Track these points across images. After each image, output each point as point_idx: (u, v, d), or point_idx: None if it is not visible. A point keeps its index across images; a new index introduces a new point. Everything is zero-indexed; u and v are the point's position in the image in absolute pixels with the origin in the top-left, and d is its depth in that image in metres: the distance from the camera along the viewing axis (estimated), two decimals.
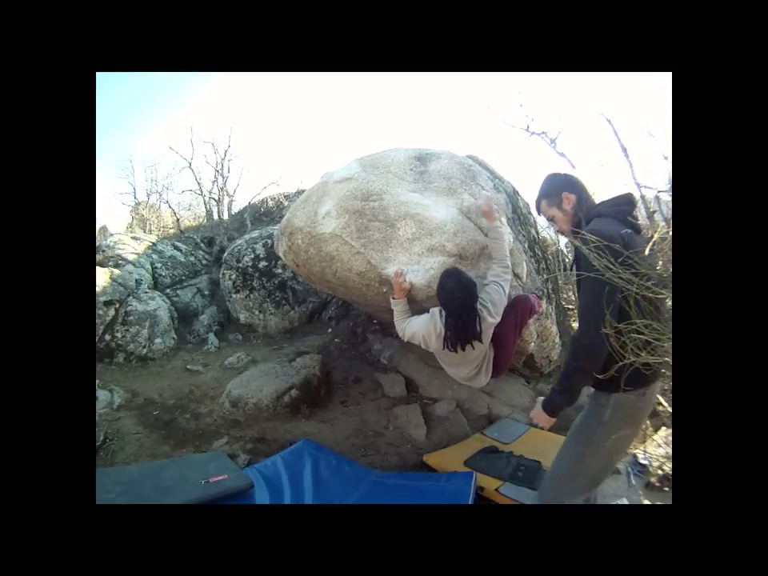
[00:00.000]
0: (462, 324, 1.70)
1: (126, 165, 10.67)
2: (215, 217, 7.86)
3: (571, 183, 1.39)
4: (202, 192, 8.12)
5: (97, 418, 2.57)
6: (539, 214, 1.50)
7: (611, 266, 1.03)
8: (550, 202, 1.42)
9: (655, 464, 2.01)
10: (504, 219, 2.22)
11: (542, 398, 1.25)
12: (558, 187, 1.40)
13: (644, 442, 2.29)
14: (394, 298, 1.95)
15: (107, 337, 3.61)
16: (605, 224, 1.20)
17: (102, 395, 2.89)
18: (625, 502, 1.86)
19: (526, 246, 2.78)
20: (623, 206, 1.26)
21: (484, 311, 1.76)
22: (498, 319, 1.79)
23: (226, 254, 4.77)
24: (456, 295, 1.70)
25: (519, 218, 2.88)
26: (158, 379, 3.32)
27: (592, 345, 1.13)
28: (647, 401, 1.22)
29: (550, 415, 1.24)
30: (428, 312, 1.86)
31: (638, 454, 2.13)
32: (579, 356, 1.17)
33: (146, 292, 4.15)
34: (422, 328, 1.83)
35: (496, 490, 1.92)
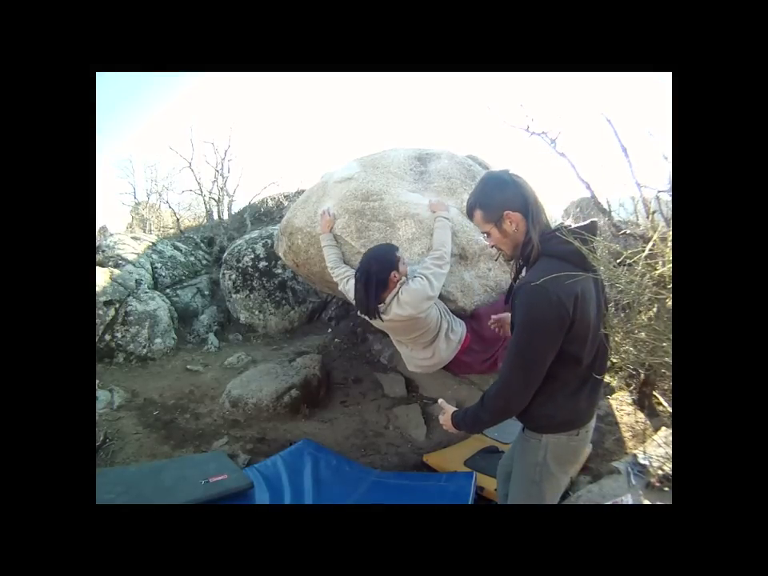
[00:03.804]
0: (364, 290, 1.74)
1: (126, 165, 10.70)
2: (215, 217, 7.87)
3: (517, 198, 1.05)
4: (201, 192, 8.14)
5: (97, 418, 2.58)
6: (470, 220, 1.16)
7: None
8: (487, 216, 1.08)
9: (655, 464, 2.00)
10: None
11: (453, 408, 1.19)
12: (500, 202, 1.06)
13: (644, 442, 2.29)
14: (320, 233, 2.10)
15: (107, 337, 3.61)
16: (553, 282, 0.92)
17: (101, 395, 2.89)
18: (624, 502, 1.86)
19: None
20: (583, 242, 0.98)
21: (393, 303, 1.75)
22: (413, 312, 1.75)
23: (225, 254, 4.77)
24: (366, 259, 1.77)
25: None
26: (158, 379, 3.32)
27: (508, 407, 1.05)
28: (581, 440, 1.13)
29: (455, 428, 1.18)
30: None
31: (637, 454, 2.13)
32: (491, 412, 1.06)
33: (145, 292, 4.15)
34: (352, 290, 1.87)
35: (496, 489, 1.92)
